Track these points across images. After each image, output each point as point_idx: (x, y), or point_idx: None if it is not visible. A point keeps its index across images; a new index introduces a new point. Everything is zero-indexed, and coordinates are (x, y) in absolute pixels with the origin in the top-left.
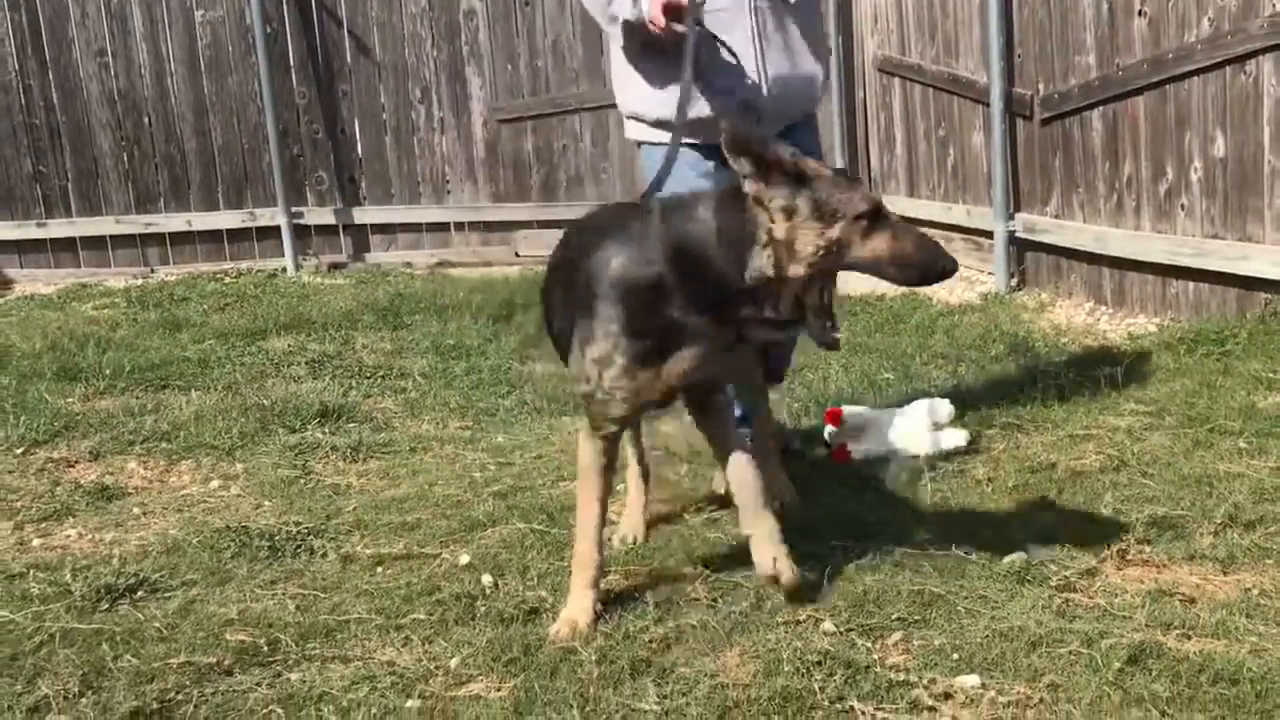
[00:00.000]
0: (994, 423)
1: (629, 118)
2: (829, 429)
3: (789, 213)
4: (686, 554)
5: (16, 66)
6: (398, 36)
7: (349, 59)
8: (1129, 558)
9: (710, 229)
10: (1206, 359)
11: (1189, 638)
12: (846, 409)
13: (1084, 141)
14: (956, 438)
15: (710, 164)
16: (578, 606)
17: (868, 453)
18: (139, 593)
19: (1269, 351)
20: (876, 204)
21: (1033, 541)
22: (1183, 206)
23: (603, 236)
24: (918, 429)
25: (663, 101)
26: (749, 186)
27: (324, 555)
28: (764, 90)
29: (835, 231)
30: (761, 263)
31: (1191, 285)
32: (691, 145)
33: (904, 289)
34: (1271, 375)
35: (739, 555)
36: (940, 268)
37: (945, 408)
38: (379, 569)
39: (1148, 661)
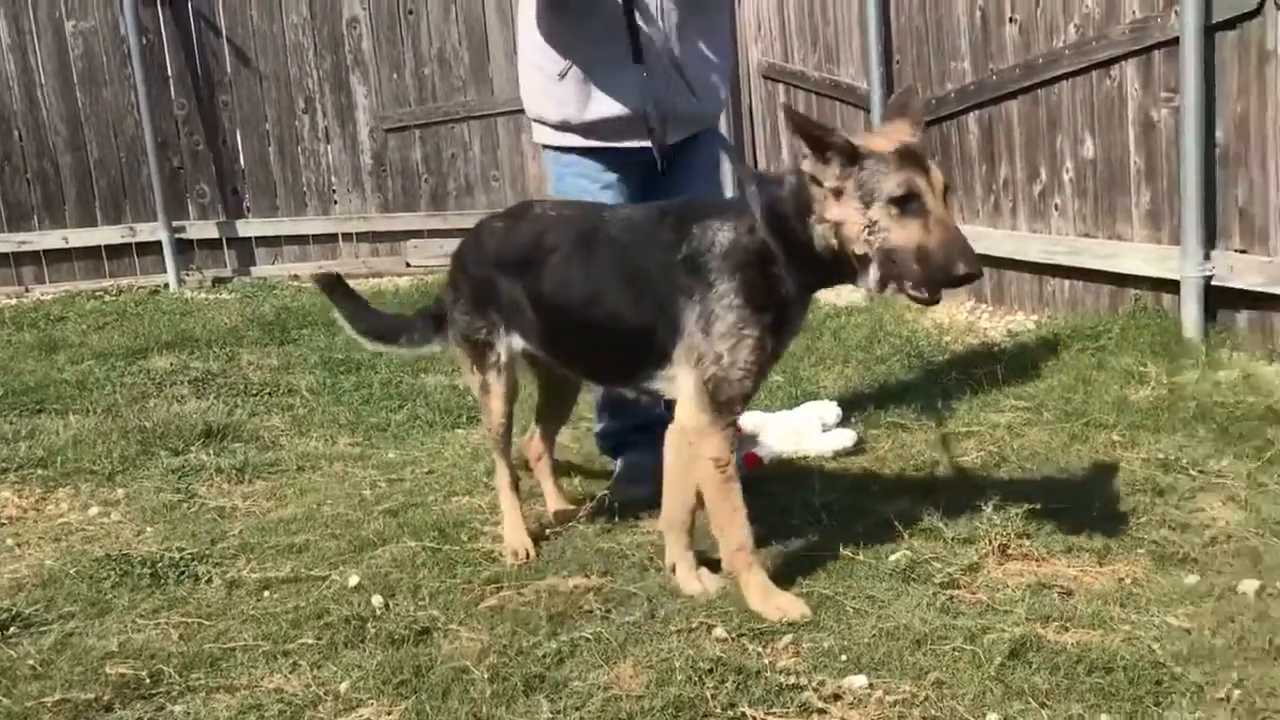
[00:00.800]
0: (879, 423)
1: (533, 121)
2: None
3: (838, 193)
4: (580, 565)
5: None
6: (279, 46)
7: (229, 69)
8: (1010, 552)
9: (792, 202)
10: (1082, 354)
11: (1067, 629)
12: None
13: (961, 145)
14: (844, 439)
15: (613, 175)
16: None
17: (772, 455)
18: (11, 629)
19: (1139, 346)
20: (913, 189)
21: (918, 539)
22: (1056, 206)
23: (683, 220)
24: (807, 431)
25: (561, 100)
26: (806, 165)
27: (209, 581)
28: (674, 94)
29: (873, 212)
30: (822, 238)
31: (1067, 283)
32: (592, 153)
33: None
34: (1142, 369)
35: (632, 565)
36: (956, 273)
37: (833, 410)
38: (266, 593)
39: (1028, 654)
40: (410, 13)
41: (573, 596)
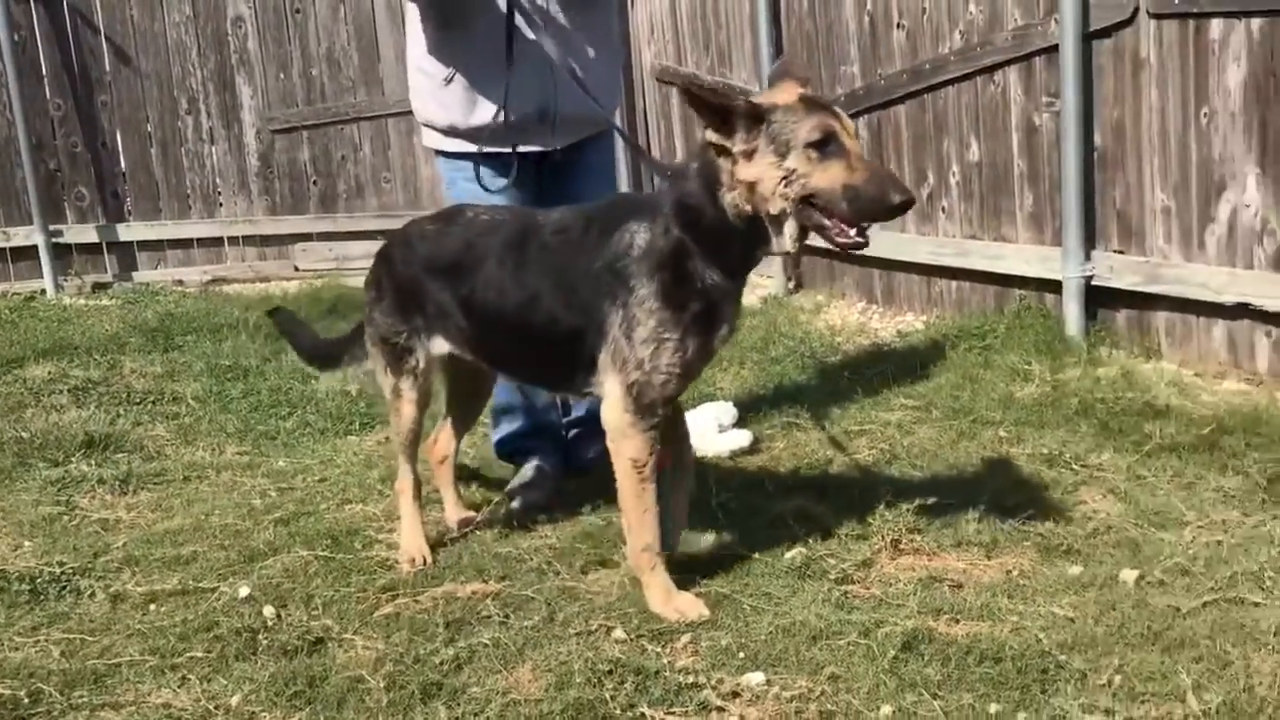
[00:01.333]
0: (775, 422)
1: (423, 125)
2: None
3: (749, 154)
4: (477, 571)
5: None
6: (161, 45)
7: (108, 68)
8: (902, 547)
9: (699, 184)
10: (969, 353)
11: (957, 621)
12: None
13: None
14: (740, 439)
15: (503, 180)
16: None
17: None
18: None
19: (1024, 345)
20: (828, 131)
21: (812, 537)
22: (944, 209)
23: (608, 223)
24: (704, 432)
25: (448, 105)
26: (710, 135)
27: (92, 596)
28: (560, 96)
29: (790, 161)
30: (734, 205)
31: (954, 284)
32: (484, 158)
33: None
34: (1027, 367)
35: (530, 570)
36: (891, 202)
37: (729, 410)
38: (152, 607)
39: (920, 647)
40: (297, 11)
41: (470, 602)
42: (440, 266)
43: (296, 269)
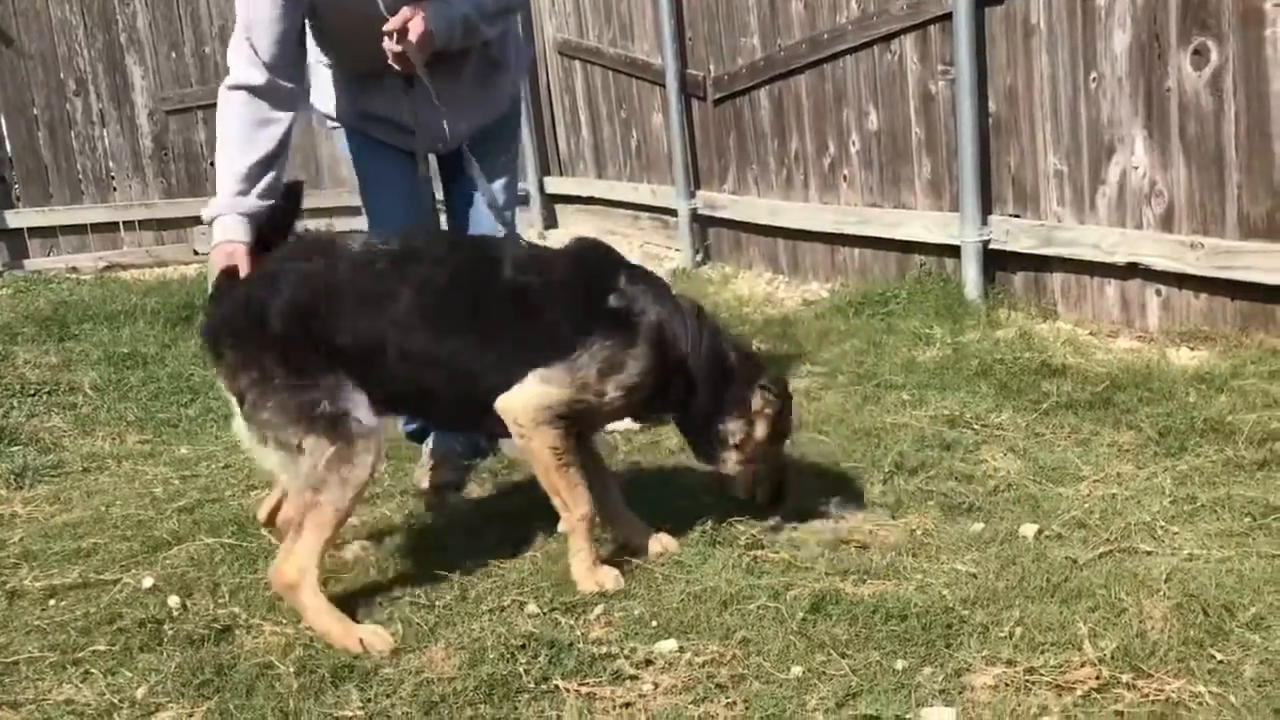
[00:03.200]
0: None
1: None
2: None
3: None
4: (388, 553)
5: None
6: (44, 23)
7: None
8: (809, 512)
9: None
10: (873, 319)
11: (864, 582)
12: None
13: (754, 120)
14: None
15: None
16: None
17: None
18: None
19: (925, 309)
20: None
21: (721, 505)
22: (845, 178)
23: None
24: None
25: (336, 97)
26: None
27: None
28: (430, 120)
29: None
30: None
31: (857, 251)
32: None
33: None
34: (929, 331)
35: (441, 547)
36: None
37: None
38: (51, 602)
39: (828, 608)
40: None
41: (380, 584)
42: (347, 308)
43: (196, 253)
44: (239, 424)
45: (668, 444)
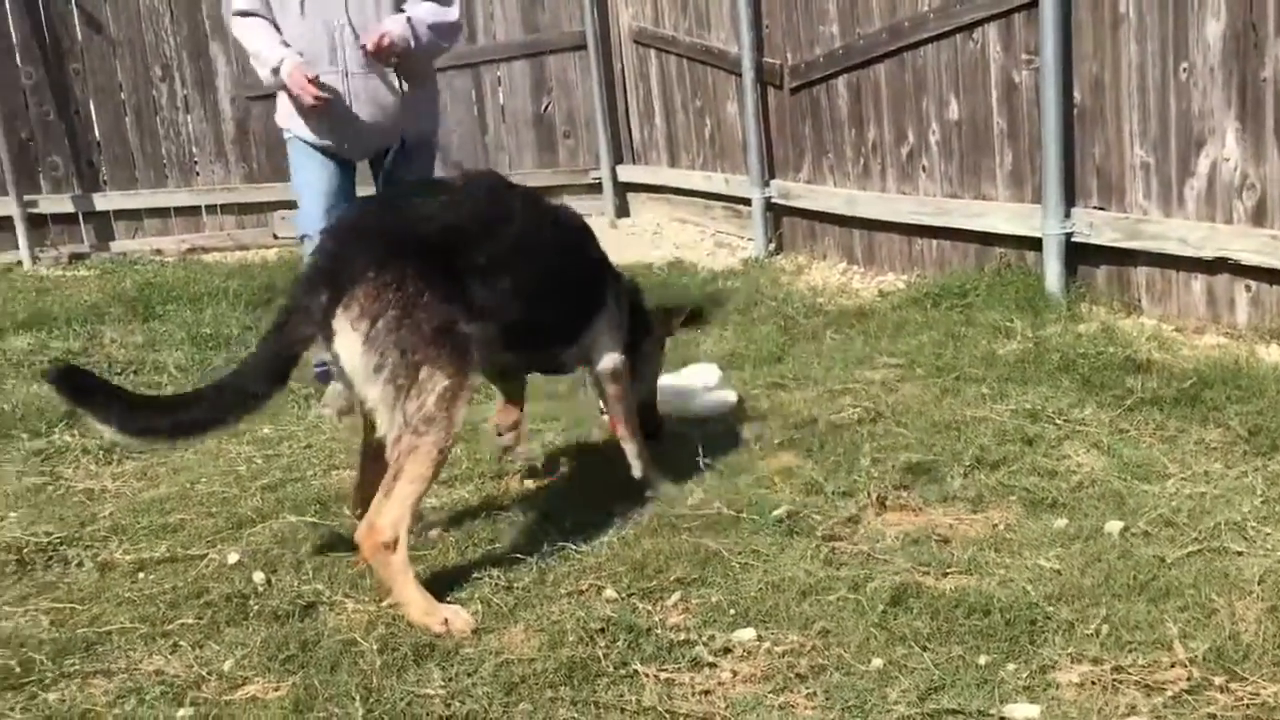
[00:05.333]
0: (759, 383)
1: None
2: None
3: None
4: (466, 534)
5: None
6: (133, 12)
7: (80, 36)
8: (888, 504)
9: None
10: (950, 312)
11: (945, 575)
12: None
13: (831, 109)
14: (725, 399)
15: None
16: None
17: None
18: None
19: (1005, 302)
20: None
21: (799, 494)
22: (924, 168)
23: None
24: (689, 393)
25: (297, 119)
26: None
27: (80, 565)
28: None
29: None
30: None
31: (935, 243)
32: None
33: (670, 257)
34: (1009, 324)
35: (520, 531)
36: None
37: (713, 371)
38: (141, 575)
39: (909, 601)
40: None
41: (460, 564)
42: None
43: (275, 237)
44: (351, 354)
45: (742, 433)
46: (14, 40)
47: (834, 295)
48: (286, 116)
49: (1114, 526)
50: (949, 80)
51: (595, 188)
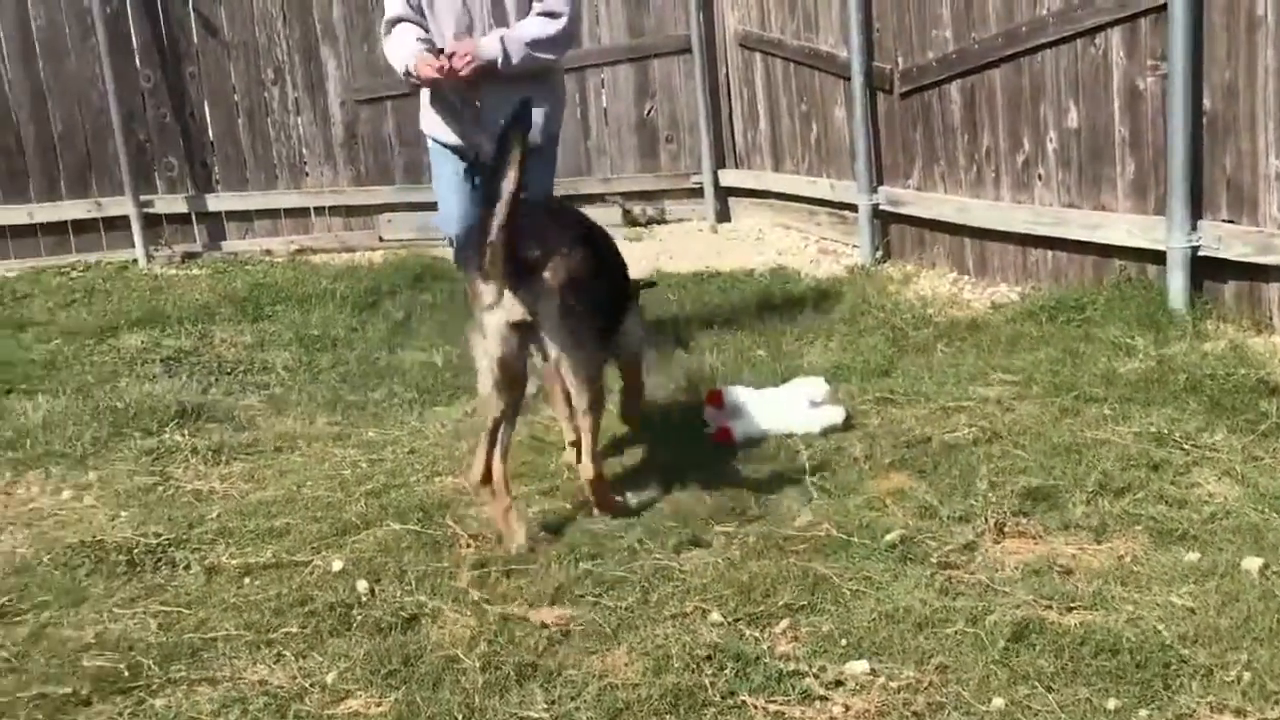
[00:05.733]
0: (867, 398)
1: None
2: (709, 410)
3: None
4: (569, 549)
5: None
6: (246, 15)
7: (195, 39)
8: (1006, 530)
9: None
10: (1067, 326)
11: (1069, 610)
12: (727, 390)
13: (943, 114)
14: (833, 415)
15: (463, 165)
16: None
17: (747, 433)
18: None
19: (1125, 318)
20: None
21: (912, 518)
22: (1040, 177)
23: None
24: (795, 408)
25: (435, 122)
26: None
27: (187, 568)
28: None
29: None
30: None
31: (1050, 254)
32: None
33: (773, 263)
34: (1130, 341)
35: (623, 549)
36: None
37: (821, 385)
38: (246, 580)
39: (1031, 637)
40: None
41: (562, 583)
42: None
43: (381, 239)
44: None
45: (851, 451)
46: (134, 44)
47: (944, 306)
48: (426, 121)
49: (1252, 564)
50: (1068, 87)
51: (696, 192)
